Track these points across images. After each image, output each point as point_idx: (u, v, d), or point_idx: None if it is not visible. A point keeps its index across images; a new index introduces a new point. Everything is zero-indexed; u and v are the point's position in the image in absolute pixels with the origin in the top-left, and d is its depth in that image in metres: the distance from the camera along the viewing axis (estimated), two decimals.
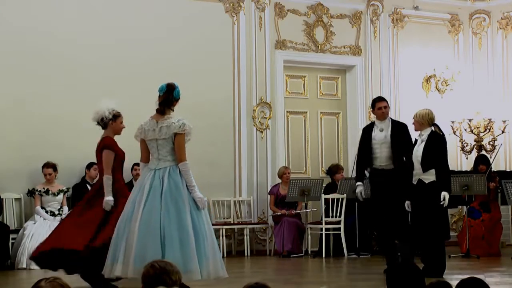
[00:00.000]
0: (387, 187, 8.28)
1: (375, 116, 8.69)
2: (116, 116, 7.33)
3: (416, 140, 8.22)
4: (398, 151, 8.31)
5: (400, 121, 8.95)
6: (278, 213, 11.15)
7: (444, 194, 7.88)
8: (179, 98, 6.60)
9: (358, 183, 8.59)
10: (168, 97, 6.55)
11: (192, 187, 6.33)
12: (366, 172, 8.58)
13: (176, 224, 6.18)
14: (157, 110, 6.56)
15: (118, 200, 7.03)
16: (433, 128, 8.07)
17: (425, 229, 7.97)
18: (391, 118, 8.67)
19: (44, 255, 7.09)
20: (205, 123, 10.92)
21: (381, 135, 8.45)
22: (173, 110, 6.58)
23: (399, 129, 8.45)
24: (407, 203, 8.21)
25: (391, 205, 8.29)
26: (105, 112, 7.29)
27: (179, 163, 6.37)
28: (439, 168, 7.93)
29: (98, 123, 7.37)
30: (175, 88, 6.58)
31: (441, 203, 7.87)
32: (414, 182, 8.07)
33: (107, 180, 7.12)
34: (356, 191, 8.60)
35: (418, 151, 8.02)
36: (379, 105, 8.58)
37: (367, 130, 8.58)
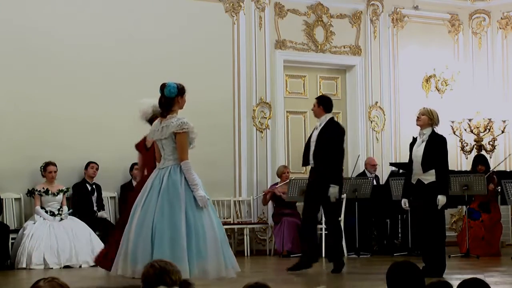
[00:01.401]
0: (312, 185, 8.51)
1: None
2: None
3: (414, 140, 8.21)
4: (318, 149, 8.41)
5: (338, 122, 9.22)
6: (265, 193, 11.30)
7: (440, 198, 7.87)
8: (174, 95, 6.50)
9: None
10: (161, 99, 6.55)
11: (194, 185, 6.31)
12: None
13: (168, 222, 6.18)
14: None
15: None
16: (434, 128, 8.07)
17: (424, 229, 7.98)
18: (331, 118, 8.68)
19: None
20: (205, 123, 10.90)
21: (315, 134, 8.59)
22: (174, 110, 6.54)
23: (329, 127, 8.53)
24: (403, 200, 8.23)
25: (316, 202, 8.53)
26: (149, 110, 7.31)
27: (180, 162, 6.37)
28: (438, 169, 7.92)
29: (147, 122, 7.38)
30: (165, 87, 6.54)
31: (437, 205, 7.88)
32: (413, 181, 8.06)
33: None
34: None
35: (418, 151, 7.99)
36: None
37: (313, 129, 8.81)
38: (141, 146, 7.53)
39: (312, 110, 8.78)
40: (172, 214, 6.21)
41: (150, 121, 7.33)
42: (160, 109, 6.56)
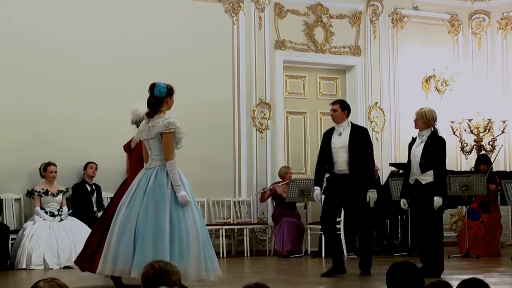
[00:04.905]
0: (343, 192, 8.16)
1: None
2: None
3: (413, 140, 8.21)
4: (354, 156, 8.14)
5: (362, 125, 8.91)
6: (264, 190, 11.31)
7: (436, 199, 7.86)
8: (163, 96, 6.49)
9: (316, 187, 8.44)
10: (150, 98, 6.54)
11: (177, 186, 6.28)
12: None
13: (152, 222, 6.17)
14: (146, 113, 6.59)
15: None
16: (434, 128, 8.07)
17: (422, 229, 7.98)
18: (351, 123, 8.43)
19: None
20: (205, 123, 10.93)
21: (339, 140, 8.27)
22: (162, 110, 6.50)
23: (358, 133, 8.28)
24: (402, 201, 8.23)
25: (350, 208, 8.31)
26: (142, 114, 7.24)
27: (165, 163, 6.35)
28: (436, 171, 7.91)
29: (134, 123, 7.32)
30: (155, 87, 6.53)
31: (434, 207, 7.88)
32: (411, 182, 8.07)
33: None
34: (314, 194, 8.54)
35: (417, 152, 8.00)
36: (331, 108, 8.44)
37: (328, 135, 8.45)
38: (127, 148, 7.47)
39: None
40: (157, 215, 6.19)
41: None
42: (148, 109, 6.55)
